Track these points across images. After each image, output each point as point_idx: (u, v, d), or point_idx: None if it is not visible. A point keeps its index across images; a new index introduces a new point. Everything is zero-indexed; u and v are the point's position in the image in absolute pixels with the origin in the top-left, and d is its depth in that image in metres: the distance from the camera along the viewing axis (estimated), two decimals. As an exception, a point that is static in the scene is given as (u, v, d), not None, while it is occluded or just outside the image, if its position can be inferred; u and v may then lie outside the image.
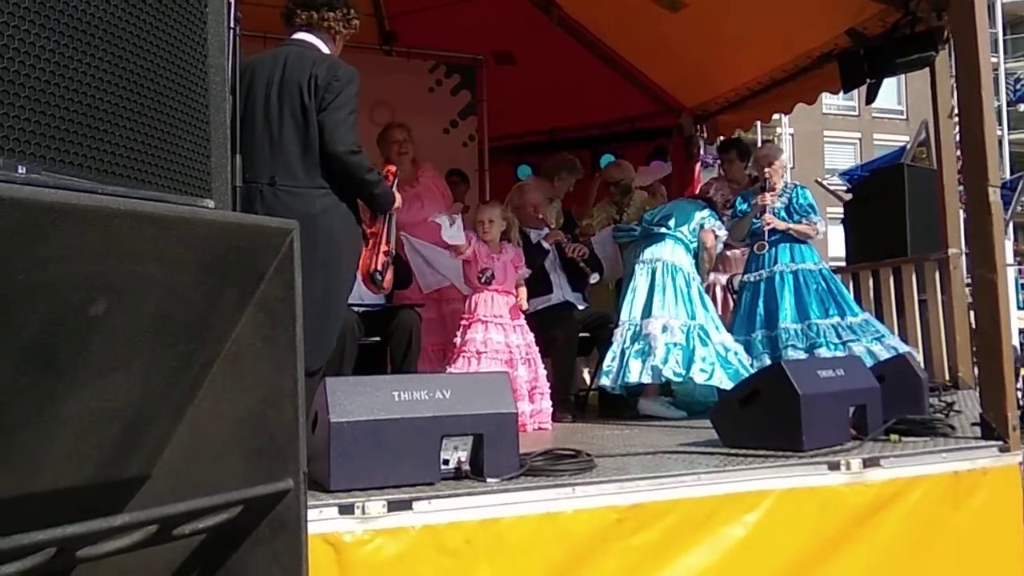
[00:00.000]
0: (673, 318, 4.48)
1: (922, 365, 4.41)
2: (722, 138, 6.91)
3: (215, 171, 1.56)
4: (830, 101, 26.87)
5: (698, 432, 3.53)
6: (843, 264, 6.25)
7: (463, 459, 2.48)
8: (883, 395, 3.25)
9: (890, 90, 27.55)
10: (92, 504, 1.37)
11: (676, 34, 6.09)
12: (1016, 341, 4.68)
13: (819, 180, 13.99)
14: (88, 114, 1.27)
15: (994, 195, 3.11)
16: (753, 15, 5.49)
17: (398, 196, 3.47)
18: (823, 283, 4.82)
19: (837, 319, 4.68)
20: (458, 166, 6.38)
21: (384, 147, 4.66)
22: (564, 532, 2.34)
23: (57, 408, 1.25)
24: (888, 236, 5.73)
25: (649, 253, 4.76)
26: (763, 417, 2.97)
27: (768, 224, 4.85)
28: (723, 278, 5.70)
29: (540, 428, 4.14)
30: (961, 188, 5.05)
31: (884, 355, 4.32)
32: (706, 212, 4.94)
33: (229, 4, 1.84)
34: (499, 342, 4.13)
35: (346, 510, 2.15)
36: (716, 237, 4.93)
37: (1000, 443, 3.03)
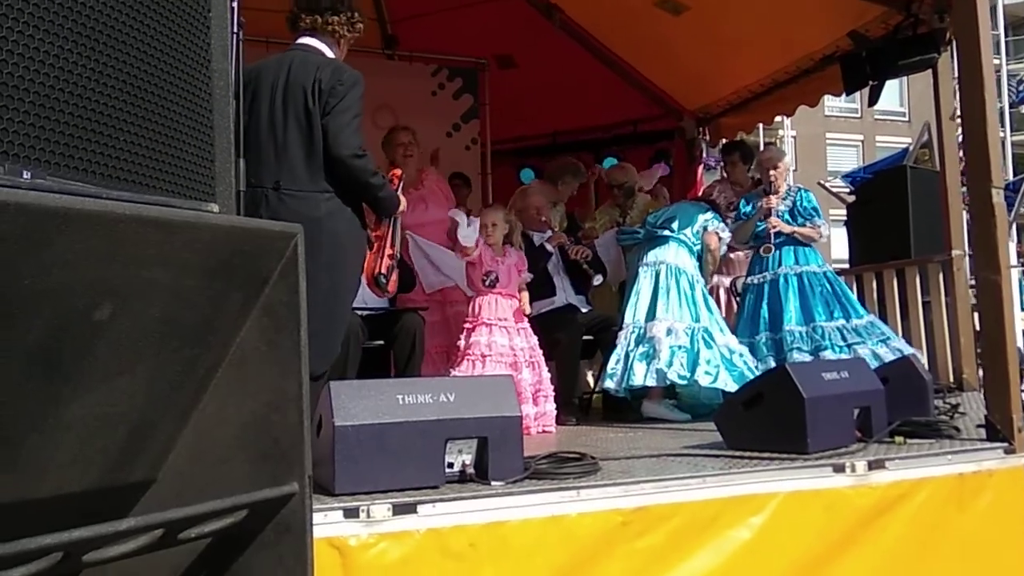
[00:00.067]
0: (677, 321, 4.48)
1: (926, 367, 4.40)
2: (724, 140, 6.91)
3: (219, 175, 1.56)
4: (832, 103, 26.88)
5: (702, 435, 3.53)
6: (846, 266, 6.25)
7: (467, 462, 2.48)
8: (887, 397, 3.24)
9: (892, 92, 27.54)
10: (97, 509, 1.37)
11: (678, 37, 6.10)
12: (1020, 343, 4.66)
13: (822, 182, 13.97)
14: (93, 119, 1.27)
15: (998, 197, 3.10)
16: (754, 17, 5.50)
17: (403, 200, 3.48)
18: (828, 285, 4.82)
19: (842, 321, 4.67)
20: (461, 169, 6.39)
21: (389, 149, 4.66)
22: (569, 535, 2.34)
23: (62, 413, 1.26)
24: (891, 238, 5.73)
25: (653, 256, 4.76)
26: (767, 420, 2.97)
27: (774, 227, 4.84)
28: (726, 280, 5.69)
29: (544, 431, 4.14)
30: (964, 190, 5.05)
31: (889, 357, 4.31)
32: (709, 215, 4.94)
33: (232, 9, 1.84)
34: (503, 345, 4.13)
35: (351, 514, 2.15)
36: (720, 239, 4.94)
37: (1005, 445, 3.03)
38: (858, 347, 4.53)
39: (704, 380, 4.28)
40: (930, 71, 5.02)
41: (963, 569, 2.81)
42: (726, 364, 4.35)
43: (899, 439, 3.13)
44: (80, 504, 1.37)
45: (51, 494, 1.32)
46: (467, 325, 4.22)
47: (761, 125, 7.37)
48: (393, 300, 4.37)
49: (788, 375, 2.95)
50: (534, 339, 4.32)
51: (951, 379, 5.01)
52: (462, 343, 4.18)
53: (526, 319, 4.36)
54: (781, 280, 4.84)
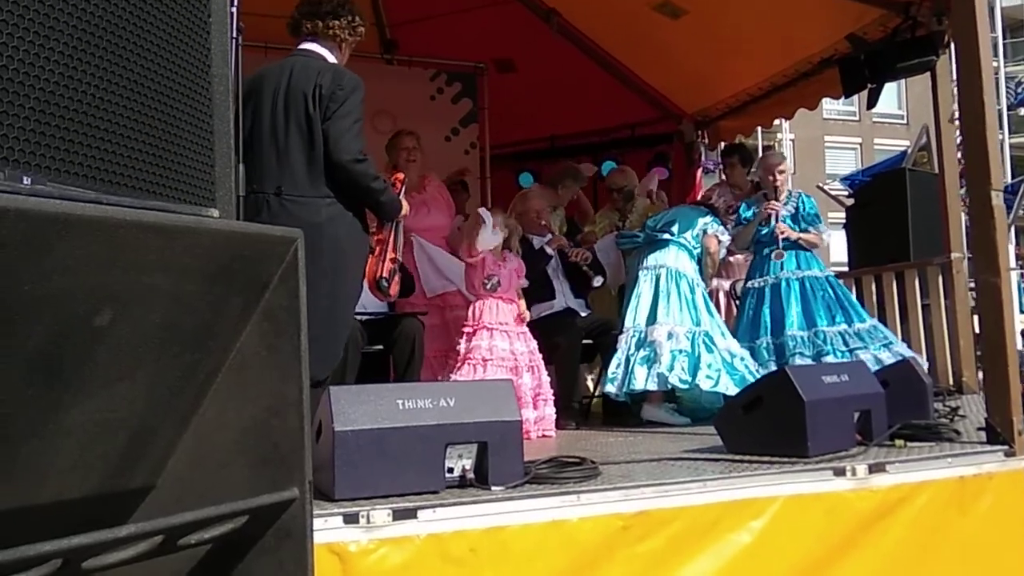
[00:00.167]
0: (678, 324, 4.48)
1: (926, 370, 4.40)
2: (723, 144, 6.91)
3: (219, 180, 1.56)
4: (830, 106, 26.85)
5: (702, 438, 3.53)
6: (845, 269, 6.25)
7: (468, 467, 2.48)
8: (887, 400, 3.24)
9: (890, 95, 27.60)
10: (97, 515, 1.37)
11: (676, 40, 6.11)
12: (1020, 345, 4.66)
13: (820, 185, 14.01)
14: (93, 124, 1.27)
15: (997, 199, 3.10)
16: (753, 21, 5.51)
17: (405, 204, 3.48)
18: (830, 290, 4.81)
19: (844, 326, 4.66)
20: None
21: (392, 154, 4.67)
22: (569, 540, 2.33)
23: (62, 419, 1.25)
24: (890, 241, 5.73)
25: (653, 259, 4.76)
26: (768, 423, 2.97)
27: (782, 233, 4.84)
28: (726, 284, 5.69)
29: (544, 435, 4.14)
30: (963, 192, 5.06)
31: (891, 362, 4.31)
32: (708, 218, 4.94)
33: (232, 14, 1.84)
34: (504, 349, 4.13)
35: (351, 519, 2.14)
36: (719, 242, 4.94)
37: (1006, 448, 3.03)
38: (860, 352, 4.52)
39: (705, 384, 4.28)
40: (929, 74, 5.03)
41: (964, 572, 2.81)
42: (727, 368, 4.35)
43: (899, 442, 3.13)
44: (80, 510, 1.37)
45: (51, 500, 1.31)
46: (467, 329, 4.22)
47: (760, 128, 7.36)
48: (392, 305, 4.37)
49: (788, 378, 2.95)
50: (534, 343, 4.32)
51: (951, 382, 5.01)
52: (462, 347, 4.18)
53: (525, 323, 4.36)
54: (783, 284, 4.83)
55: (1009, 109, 26.50)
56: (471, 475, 2.47)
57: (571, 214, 5.95)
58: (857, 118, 29.44)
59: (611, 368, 4.52)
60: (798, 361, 4.57)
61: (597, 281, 4.86)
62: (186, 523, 1.33)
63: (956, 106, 3.63)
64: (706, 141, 7.44)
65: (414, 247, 4.71)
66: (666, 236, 4.81)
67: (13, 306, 1.07)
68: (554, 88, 6.77)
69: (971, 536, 2.83)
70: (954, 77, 3.51)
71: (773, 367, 4.58)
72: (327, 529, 2.09)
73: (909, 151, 11.59)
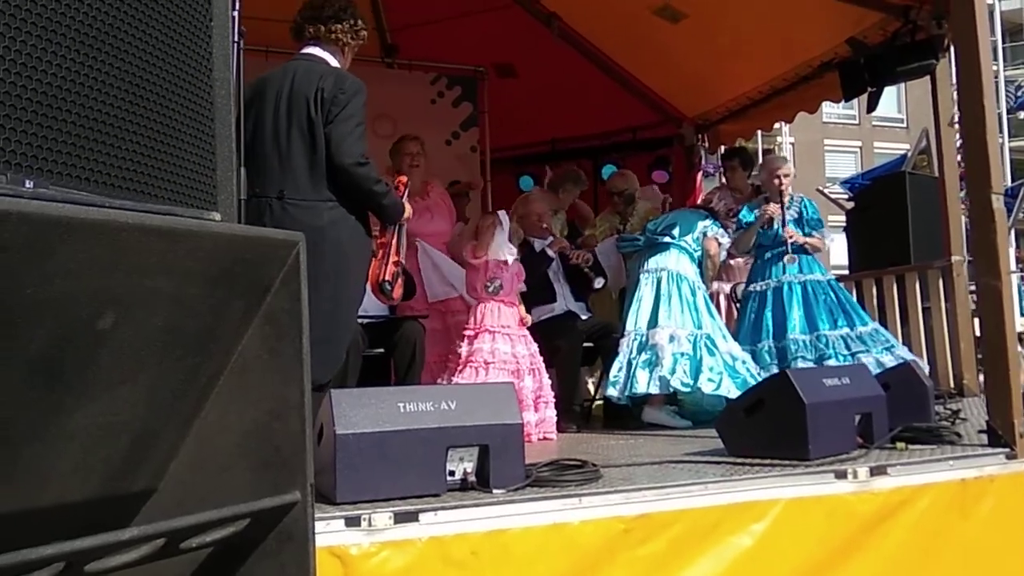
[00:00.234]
0: (680, 328, 4.48)
1: (927, 373, 4.40)
2: (724, 147, 6.92)
3: (221, 184, 1.56)
4: (830, 110, 26.92)
5: (703, 441, 3.53)
6: (846, 272, 6.25)
7: (469, 470, 2.48)
8: (888, 403, 3.24)
9: (890, 99, 27.63)
10: (99, 518, 1.37)
11: (676, 44, 6.12)
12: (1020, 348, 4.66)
13: (820, 189, 14.01)
14: (95, 128, 1.27)
15: (997, 202, 3.10)
16: (753, 24, 5.52)
17: (408, 206, 3.48)
18: (831, 294, 4.81)
19: (846, 330, 4.66)
20: (460, 177, 6.40)
21: (396, 159, 4.67)
22: (571, 543, 2.33)
23: (64, 422, 1.25)
24: (890, 244, 5.74)
25: (653, 263, 4.76)
26: (769, 426, 2.97)
27: (791, 237, 4.84)
28: (726, 287, 5.70)
29: (545, 438, 4.14)
30: (963, 195, 5.06)
31: (893, 365, 4.31)
32: (708, 221, 4.95)
33: (233, 18, 1.85)
34: (506, 352, 4.13)
35: (352, 522, 2.14)
36: (719, 245, 4.94)
37: (1007, 450, 3.02)
38: (862, 355, 4.52)
39: (707, 387, 4.28)
40: (928, 77, 5.04)
41: (966, 575, 2.80)
42: (729, 371, 4.35)
43: (900, 445, 3.13)
44: (82, 514, 1.37)
45: (53, 503, 1.31)
46: (468, 332, 4.22)
47: (760, 132, 7.37)
48: (393, 308, 4.37)
49: (789, 381, 2.95)
50: (535, 346, 4.32)
51: (951, 385, 5.01)
52: (463, 350, 4.18)
53: (526, 326, 4.36)
54: (785, 288, 4.83)
55: (1009, 113, 26.51)
56: (472, 478, 2.47)
57: (571, 218, 5.95)
58: (857, 122, 29.47)
59: (613, 372, 4.52)
60: (800, 364, 4.57)
61: (598, 282, 4.86)
62: (188, 526, 1.33)
63: (956, 110, 3.64)
64: (706, 145, 7.45)
65: (418, 252, 4.72)
66: (667, 239, 4.81)
67: (15, 309, 1.07)
68: (554, 92, 6.78)
69: (973, 539, 2.83)
70: (954, 81, 3.51)
71: (775, 370, 4.58)
72: (328, 532, 2.09)
73: (909, 155, 11.60)
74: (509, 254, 4.26)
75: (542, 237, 4.90)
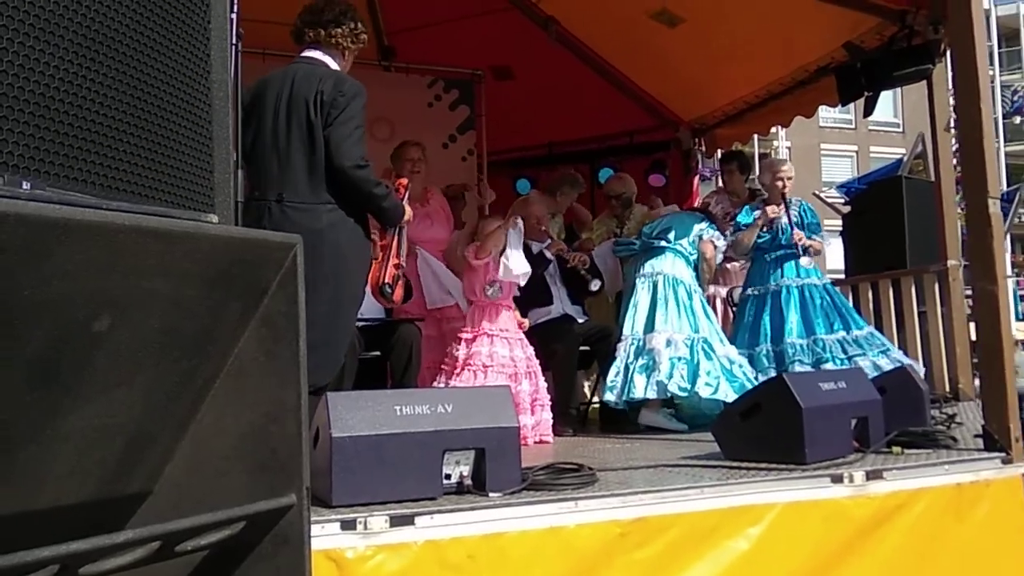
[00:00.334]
0: (677, 332, 4.48)
1: (923, 377, 4.40)
2: (721, 151, 6.93)
3: (218, 186, 1.56)
4: (827, 114, 27.01)
5: (700, 445, 3.53)
6: (842, 276, 6.26)
7: (465, 473, 2.48)
8: (885, 407, 3.24)
9: (886, 103, 27.69)
10: (94, 521, 1.37)
11: (674, 48, 6.12)
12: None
13: (817, 193, 14.03)
14: (92, 130, 1.27)
15: (994, 207, 3.11)
16: (750, 29, 5.53)
17: (408, 209, 3.48)
18: (828, 298, 4.83)
19: (843, 334, 4.67)
20: (456, 181, 6.39)
21: (397, 164, 4.67)
22: (567, 547, 2.33)
23: (60, 424, 1.25)
24: (886, 248, 5.74)
25: (649, 267, 4.77)
26: (765, 430, 2.97)
27: (799, 239, 4.84)
28: (723, 290, 5.70)
29: (542, 441, 4.14)
30: (959, 199, 5.07)
31: (890, 368, 4.32)
32: (704, 224, 4.94)
33: (232, 20, 1.85)
34: (504, 356, 4.13)
35: (348, 526, 2.14)
36: (715, 248, 4.94)
37: (1003, 455, 3.03)
38: (859, 359, 4.53)
39: (705, 391, 4.28)
40: (925, 82, 5.04)
41: (962, 579, 2.81)
42: (726, 375, 4.35)
43: (897, 449, 3.13)
44: (77, 516, 1.37)
45: (48, 506, 1.31)
46: (465, 335, 4.21)
47: (756, 136, 7.38)
48: (389, 311, 4.37)
49: (786, 385, 2.95)
50: (531, 349, 4.32)
51: (947, 389, 5.01)
52: (461, 353, 4.17)
53: (523, 330, 4.36)
54: (783, 292, 4.84)
55: (1005, 117, 26.62)
56: (469, 481, 2.47)
57: (568, 221, 5.95)
58: (853, 126, 29.56)
59: (610, 376, 4.52)
60: (797, 368, 4.58)
61: (595, 285, 4.85)
62: (183, 529, 1.32)
63: (953, 114, 3.64)
64: (703, 148, 7.45)
65: (418, 259, 4.72)
66: (663, 243, 4.81)
67: (12, 311, 1.07)
68: (552, 95, 6.78)
69: (968, 543, 2.83)
70: (950, 85, 3.52)
71: (773, 374, 4.58)
72: (324, 535, 2.09)
73: (905, 159, 11.63)
74: (523, 269, 4.24)
75: (540, 240, 4.90)
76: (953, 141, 4.80)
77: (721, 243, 4.99)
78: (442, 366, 4.29)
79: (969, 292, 3.85)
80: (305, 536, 1.50)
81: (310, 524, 1.52)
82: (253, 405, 1.51)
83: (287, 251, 1.49)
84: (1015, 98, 25.99)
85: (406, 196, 3.53)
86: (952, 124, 4.77)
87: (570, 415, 4.63)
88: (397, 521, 2.18)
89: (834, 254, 7.54)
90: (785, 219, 4.93)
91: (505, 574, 2.24)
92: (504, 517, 2.30)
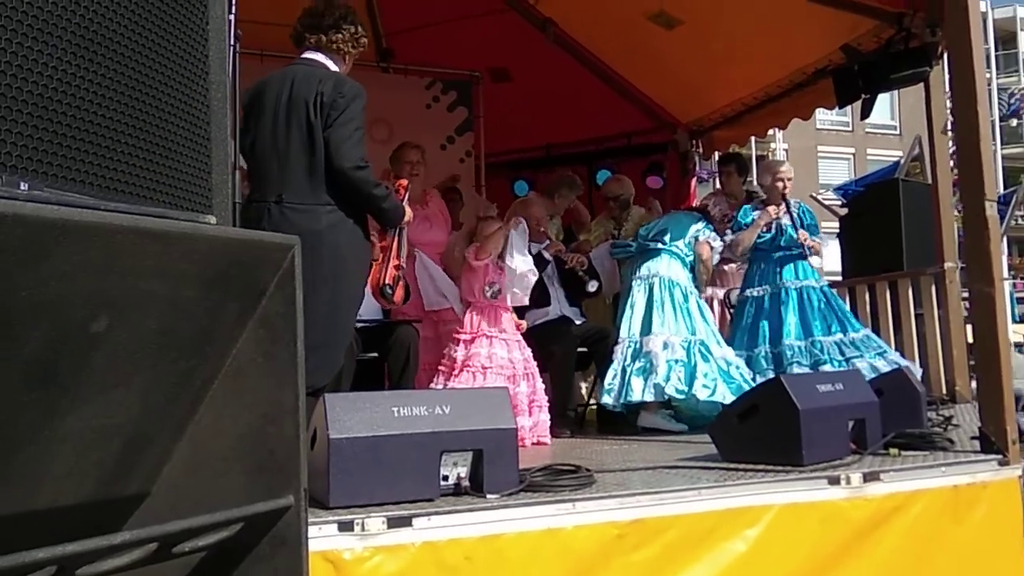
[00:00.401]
0: (673, 334, 4.47)
1: (920, 379, 4.41)
2: (718, 153, 6.93)
3: (216, 187, 1.56)
4: (824, 116, 27.05)
5: (697, 447, 3.53)
6: (839, 279, 6.27)
7: (463, 475, 2.48)
8: (882, 409, 3.25)
9: (883, 106, 27.73)
10: (92, 522, 1.37)
11: (671, 50, 6.13)
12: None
13: (814, 195, 14.04)
14: (90, 131, 1.27)
15: (991, 209, 3.12)
16: (748, 31, 5.53)
17: (408, 210, 3.48)
18: (825, 300, 4.83)
19: (840, 336, 4.68)
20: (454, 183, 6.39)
21: (396, 166, 4.66)
22: (565, 548, 2.33)
23: (58, 425, 1.25)
24: (883, 250, 5.75)
25: (646, 269, 4.76)
26: (763, 431, 2.97)
27: (804, 240, 4.85)
28: (720, 292, 5.70)
29: (539, 442, 4.13)
30: (955, 201, 5.07)
31: (887, 370, 4.32)
32: (701, 224, 4.93)
33: (230, 22, 1.85)
34: (503, 357, 4.13)
35: (346, 527, 2.14)
36: (711, 249, 4.93)
37: (999, 457, 3.03)
38: (856, 361, 4.54)
39: (702, 394, 4.28)
40: (922, 85, 5.05)
41: (959, 581, 2.81)
42: (724, 377, 4.35)
43: (894, 451, 3.13)
44: (75, 517, 1.36)
45: (46, 507, 1.31)
46: (464, 336, 4.20)
47: (754, 138, 7.38)
48: (387, 312, 4.37)
49: (783, 387, 2.95)
50: (528, 351, 4.32)
51: (944, 391, 5.01)
52: (459, 354, 4.16)
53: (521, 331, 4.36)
54: (782, 294, 4.85)
55: (1001, 120, 26.69)
56: (466, 483, 2.47)
57: (568, 221, 5.95)
58: (850, 128, 29.59)
59: (607, 379, 4.52)
60: (796, 370, 4.58)
61: (592, 286, 4.85)
62: (181, 530, 1.32)
63: (949, 117, 3.65)
64: (700, 151, 7.46)
65: (416, 261, 4.71)
66: (659, 245, 4.81)
67: (11, 312, 1.07)
68: (549, 97, 6.79)
69: (965, 545, 2.84)
70: (947, 88, 3.53)
71: (771, 375, 4.58)
72: (322, 537, 2.08)
73: (902, 161, 11.65)
74: (530, 273, 4.25)
75: (539, 241, 4.90)
76: (950, 143, 4.81)
77: (718, 244, 4.98)
78: (440, 367, 4.28)
79: (966, 294, 3.86)
80: (303, 537, 1.50)
81: (308, 525, 1.52)
82: (251, 406, 1.51)
83: (285, 252, 1.49)
84: (1012, 101, 26.07)
85: (406, 197, 3.53)
86: (949, 126, 4.79)
87: (568, 416, 4.63)
88: (394, 522, 2.18)
89: (831, 256, 7.55)
90: (787, 219, 4.93)
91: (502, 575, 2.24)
92: (502, 519, 2.30)
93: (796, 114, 6.26)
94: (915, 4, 4.89)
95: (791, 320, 4.77)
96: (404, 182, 3.65)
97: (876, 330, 5.21)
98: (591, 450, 3.82)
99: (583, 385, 5.69)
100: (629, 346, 4.55)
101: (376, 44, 6.78)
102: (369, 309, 3.99)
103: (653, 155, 7.32)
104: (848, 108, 6.37)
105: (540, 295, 4.75)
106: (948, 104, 3.61)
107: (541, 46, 6.59)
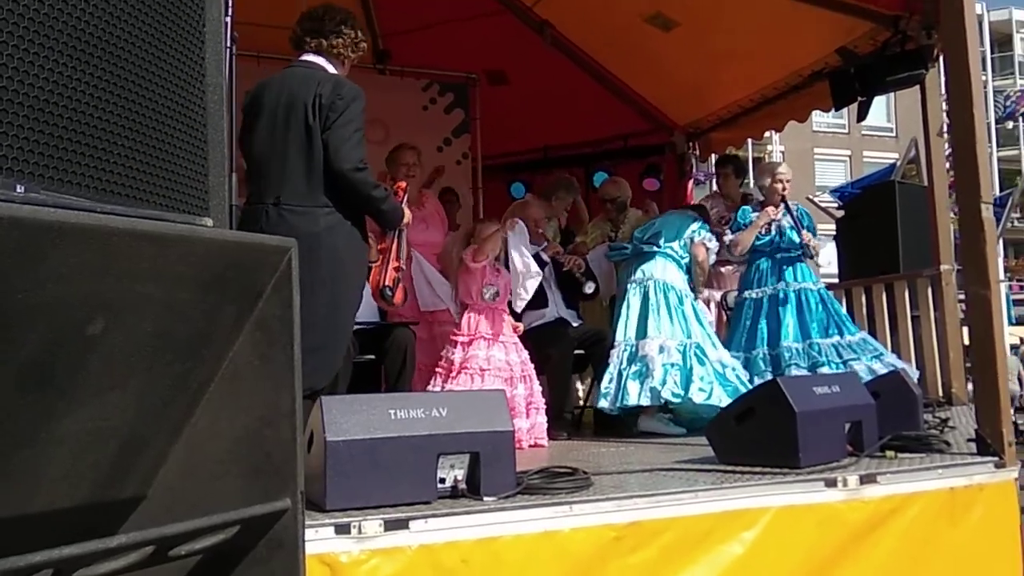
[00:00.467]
0: (669, 338, 4.47)
1: (916, 381, 4.41)
2: (715, 155, 6.93)
3: (213, 190, 1.56)
4: (820, 119, 27.07)
5: (694, 449, 3.53)
6: (835, 281, 6.28)
7: (460, 477, 2.47)
8: (878, 411, 3.25)
9: (880, 108, 27.80)
10: (88, 525, 1.36)
11: (668, 52, 6.14)
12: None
13: (810, 197, 14.06)
14: (87, 133, 1.27)
15: (987, 212, 3.12)
16: (744, 34, 5.54)
17: (407, 212, 3.48)
18: (822, 302, 4.84)
19: (837, 338, 4.69)
20: (451, 184, 6.40)
21: (393, 167, 4.67)
22: (562, 550, 2.33)
23: (54, 427, 1.25)
24: (880, 252, 5.76)
25: (640, 272, 4.76)
26: (759, 434, 2.97)
27: (808, 241, 4.86)
28: (717, 294, 5.70)
29: (536, 444, 4.13)
30: (952, 202, 5.08)
31: (884, 372, 4.32)
32: (696, 224, 4.92)
33: (226, 24, 1.85)
34: (500, 360, 4.13)
35: (342, 530, 2.13)
36: (707, 250, 4.92)
37: (996, 459, 3.03)
38: (854, 363, 4.54)
39: (698, 397, 4.28)
40: (918, 87, 5.07)
41: (955, 583, 2.82)
42: (720, 380, 4.35)
43: (890, 453, 3.14)
44: (71, 520, 1.36)
45: (42, 510, 1.31)
46: (461, 339, 4.20)
47: (750, 140, 7.39)
48: (384, 314, 4.37)
49: (779, 389, 2.95)
50: (525, 353, 4.32)
51: (940, 393, 5.02)
52: (456, 356, 4.16)
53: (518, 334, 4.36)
54: (780, 296, 4.85)
55: (997, 122, 26.76)
56: (463, 485, 2.46)
57: (570, 221, 5.95)
58: (847, 131, 29.64)
59: (604, 383, 4.51)
60: (794, 372, 4.58)
61: (589, 287, 4.85)
62: (177, 534, 1.32)
63: (945, 119, 3.66)
64: (697, 153, 7.46)
65: (412, 262, 4.72)
66: (653, 248, 4.80)
67: (7, 314, 1.07)
68: (546, 99, 6.79)
69: (962, 547, 2.84)
70: (943, 90, 3.53)
71: (769, 377, 4.58)
72: (318, 539, 2.08)
73: (898, 164, 11.65)
74: (535, 274, 4.25)
75: (537, 243, 4.90)
76: (946, 146, 4.83)
77: (713, 245, 4.98)
78: (437, 369, 4.28)
79: (962, 296, 3.87)
80: (299, 540, 1.49)
81: (304, 528, 1.52)
82: (247, 409, 1.50)
83: (282, 255, 1.48)
84: (1007, 103, 26.12)
85: (405, 199, 3.53)
86: (945, 129, 4.80)
87: (565, 419, 4.63)
88: (391, 525, 2.18)
89: (828, 258, 7.56)
90: (788, 219, 4.93)
91: (499, 578, 2.24)
92: (499, 521, 2.30)
93: (792, 116, 6.27)
94: (911, 7, 4.90)
95: (789, 322, 4.78)
96: (403, 185, 3.66)
97: (872, 332, 5.22)
98: (588, 452, 3.82)
99: (580, 387, 5.68)
100: (625, 350, 4.55)
101: (373, 45, 6.78)
102: (366, 311, 3.98)
103: (650, 157, 7.32)
104: (844, 110, 6.37)
105: (537, 297, 4.74)
106: (944, 106, 3.61)
107: (538, 48, 6.60)
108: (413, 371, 4.18)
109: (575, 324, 4.90)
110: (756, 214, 5.00)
